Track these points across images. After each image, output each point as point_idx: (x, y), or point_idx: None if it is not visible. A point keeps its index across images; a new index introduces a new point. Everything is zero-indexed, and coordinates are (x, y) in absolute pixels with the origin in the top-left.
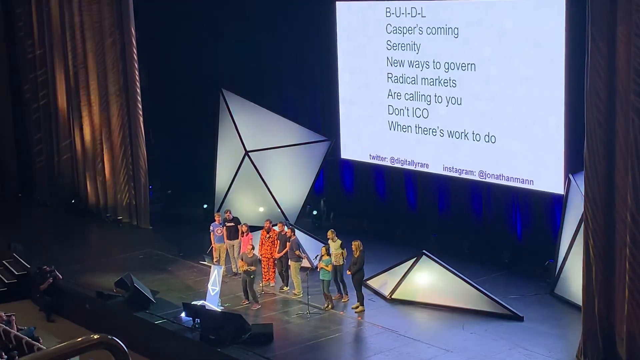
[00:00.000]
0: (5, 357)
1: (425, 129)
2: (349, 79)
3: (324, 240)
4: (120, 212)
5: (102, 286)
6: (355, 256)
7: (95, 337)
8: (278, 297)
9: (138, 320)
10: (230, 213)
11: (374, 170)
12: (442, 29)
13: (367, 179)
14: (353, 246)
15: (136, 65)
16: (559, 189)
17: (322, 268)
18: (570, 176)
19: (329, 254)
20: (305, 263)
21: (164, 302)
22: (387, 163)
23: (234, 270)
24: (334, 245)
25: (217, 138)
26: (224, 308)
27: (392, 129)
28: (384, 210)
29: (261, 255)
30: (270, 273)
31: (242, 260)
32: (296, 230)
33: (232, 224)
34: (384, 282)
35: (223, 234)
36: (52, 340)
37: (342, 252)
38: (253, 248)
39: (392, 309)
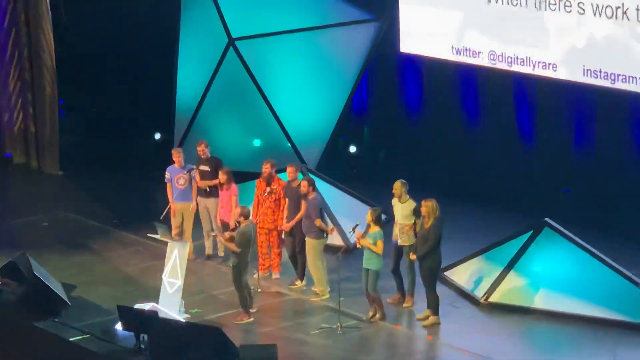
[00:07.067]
0: None
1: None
2: None
3: (378, 199)
4: (9, 146)
5: None
6: (426, 227)
7: None
8: (286, 298)
9: (40, 335)
10: (206, 147)
11: (459, 74)
12: None
13: (445, 89)
14: (423, 210)
15: None
16: None
17: (366, 247)
18: None
19: (380, 224)
20: (335, 240)
21: (85, 303)
22: (484, 62)
23: (208, 251)
24: (402, 208)
25: (179, 23)
26: (191, 316)
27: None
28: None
29: (257, 224)
30: (273, 257)
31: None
32: (319, 180)
33: (208, 168)
34: (473, 276)
35: (189, 184)
36: None
37: (414, 223)
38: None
39: (488, 322)
